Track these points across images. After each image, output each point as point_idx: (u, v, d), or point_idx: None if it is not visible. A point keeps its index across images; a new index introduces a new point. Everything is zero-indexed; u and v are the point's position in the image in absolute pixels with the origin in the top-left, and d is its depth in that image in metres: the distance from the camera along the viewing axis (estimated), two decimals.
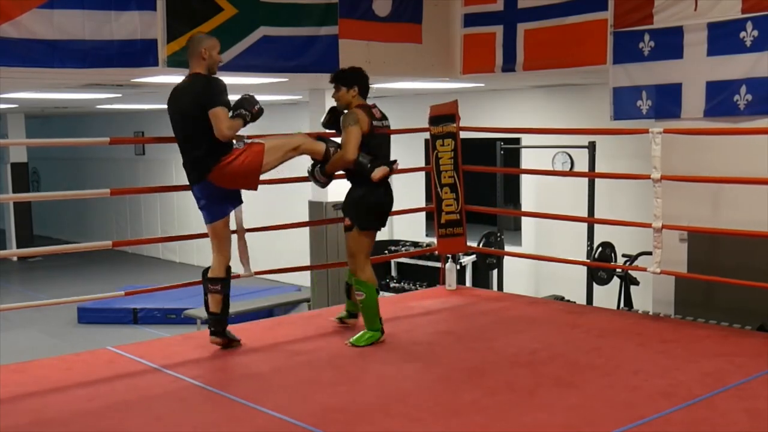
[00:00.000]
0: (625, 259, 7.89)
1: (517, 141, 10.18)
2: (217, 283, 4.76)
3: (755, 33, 5.52)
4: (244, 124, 4.61)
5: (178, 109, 4.66)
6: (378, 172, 4.90)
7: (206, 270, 4.82)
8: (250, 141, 4.71)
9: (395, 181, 14.25)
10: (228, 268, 4.82)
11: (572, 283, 8.95)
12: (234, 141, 4.65)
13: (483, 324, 5.50)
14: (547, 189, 9.99)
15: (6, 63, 5.17)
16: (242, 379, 4.27)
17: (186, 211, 16.15)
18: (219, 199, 4.72)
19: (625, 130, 6.43)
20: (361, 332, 4.93)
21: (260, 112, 4.67)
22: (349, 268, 5.14)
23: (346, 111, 5.02)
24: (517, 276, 9.76)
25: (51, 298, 6.31)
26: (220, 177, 4.62)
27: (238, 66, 6.07)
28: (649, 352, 4.61)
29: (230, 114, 4.55)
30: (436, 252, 6.82)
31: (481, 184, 8.89)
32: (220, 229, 4.76)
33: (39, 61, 5.28)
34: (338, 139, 5.07)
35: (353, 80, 5.05)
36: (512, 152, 9.82)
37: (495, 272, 9.14)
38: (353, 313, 5.36)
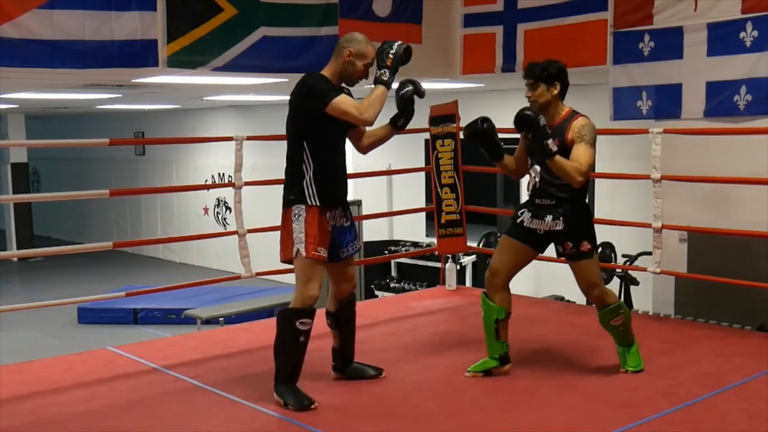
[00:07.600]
0: (625, 259, 7.88)
1: (517, 141, 10.17)
2: None
3: (755, 33, 5.52)
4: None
5: None
6: None
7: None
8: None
9: (395, 182, 14.25)
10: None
11: (572, 283, 8.91)
12: None
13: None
14: None
15: (6, 63, 5.16)
16: (242, 379, 4.26)
17: (186, 212, 16.18)
18: None
19: (625, 130, 6.43)
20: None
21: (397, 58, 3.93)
22: (595, 304, 4.46)
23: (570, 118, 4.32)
24: (517, 276, 9.73)
25: (51, 299, 6.31)
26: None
27: (238, 66, 6.07)
28: (649, 352, 4.60)
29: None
30: (436, 252, 6.82)
31: (481, 184, 8.89)
32: None
33: (39, 62, 5.27)
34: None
35: (556, 76, 4.22)
36: (512, 152, 9.82)
37: None
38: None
